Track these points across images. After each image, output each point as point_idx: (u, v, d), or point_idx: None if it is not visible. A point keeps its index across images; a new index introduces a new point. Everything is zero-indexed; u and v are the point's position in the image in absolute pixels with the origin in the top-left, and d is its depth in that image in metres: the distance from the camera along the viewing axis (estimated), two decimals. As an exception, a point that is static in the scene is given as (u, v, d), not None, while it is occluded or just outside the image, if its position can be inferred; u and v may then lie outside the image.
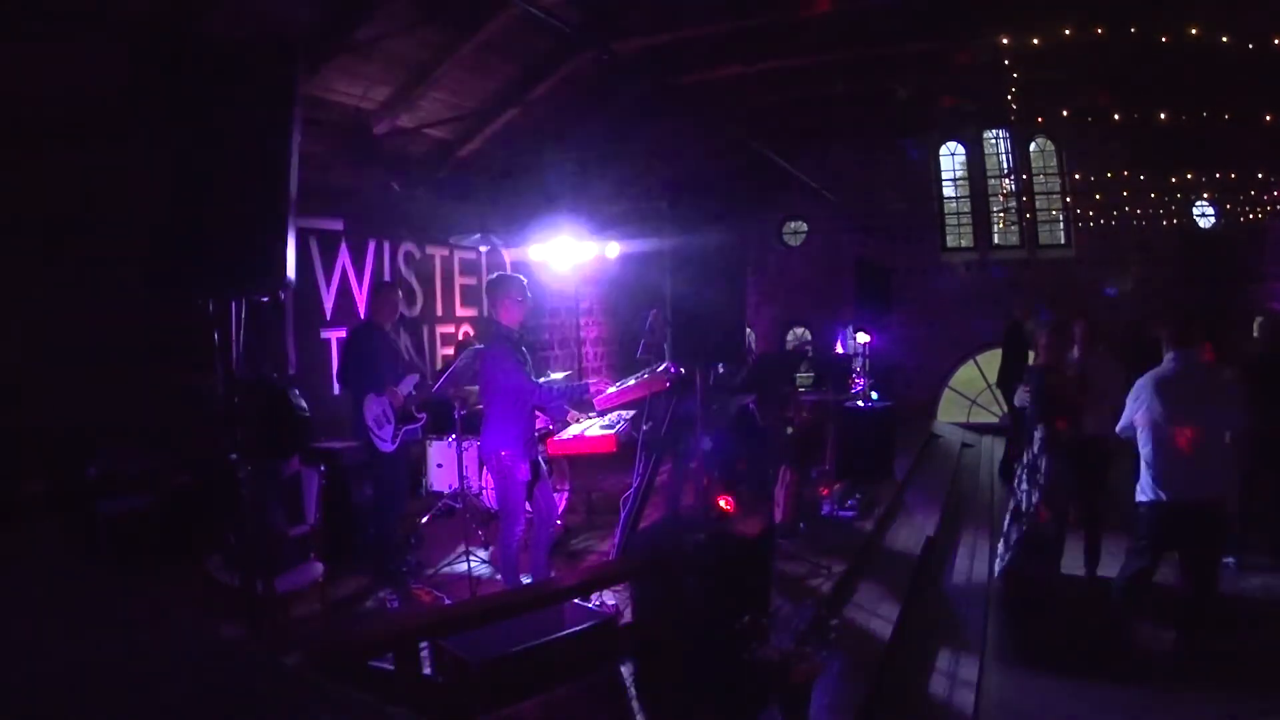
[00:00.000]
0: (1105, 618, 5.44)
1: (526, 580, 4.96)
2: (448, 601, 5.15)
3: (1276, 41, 7.26)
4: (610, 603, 4.77)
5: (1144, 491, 4.94)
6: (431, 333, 8.84)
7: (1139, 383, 5.06)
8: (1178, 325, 4.97)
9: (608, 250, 9.37)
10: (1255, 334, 7.64)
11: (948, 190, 14.97)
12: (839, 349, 11.75)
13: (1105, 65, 8.91)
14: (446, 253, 9.07)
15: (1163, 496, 4.83)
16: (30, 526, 4.49)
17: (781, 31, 8.32)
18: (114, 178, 4.85)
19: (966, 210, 14.85)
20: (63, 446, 4.89)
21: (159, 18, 5.11)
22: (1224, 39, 7.47)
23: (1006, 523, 5.99)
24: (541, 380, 5.29)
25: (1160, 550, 5.03)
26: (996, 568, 6.20)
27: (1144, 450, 4.94)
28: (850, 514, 7.36)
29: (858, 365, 11.38)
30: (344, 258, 7.59)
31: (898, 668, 4.89)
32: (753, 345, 14.51)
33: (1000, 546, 6.15)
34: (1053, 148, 14.05)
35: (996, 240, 14.63)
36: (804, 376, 10.52)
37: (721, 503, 4.82)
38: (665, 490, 5.66)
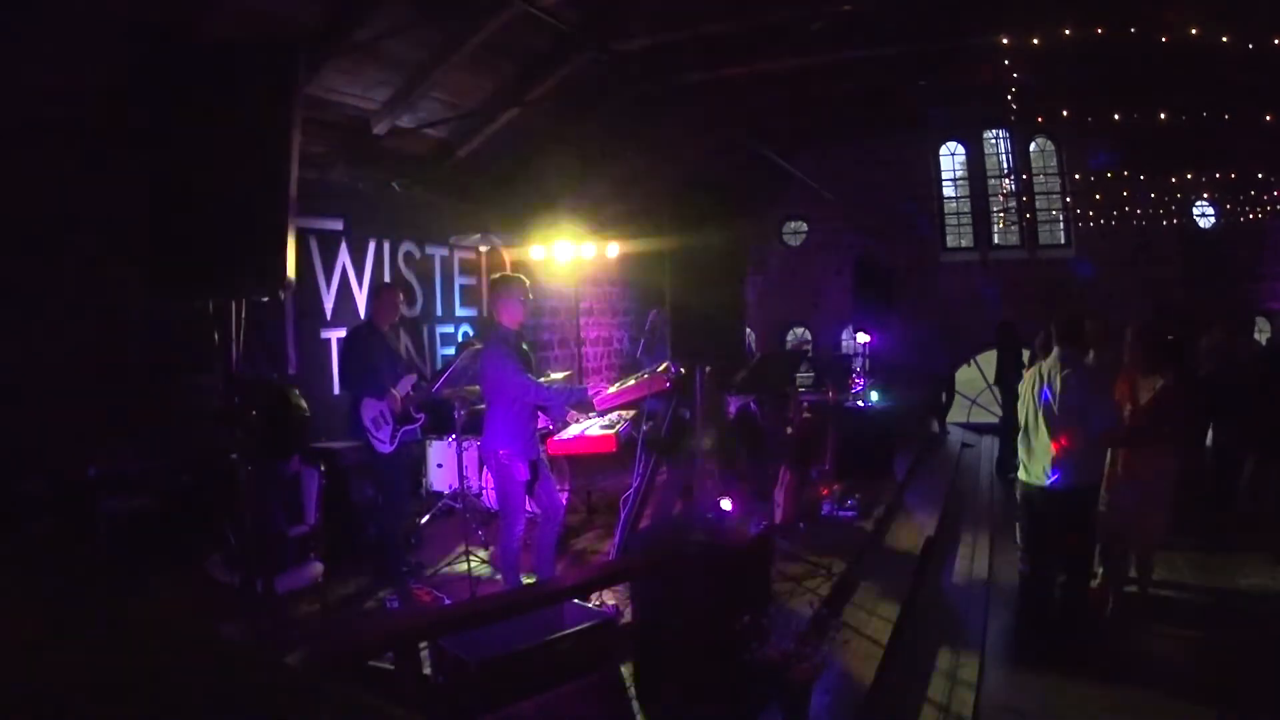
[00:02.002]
0: (1106, 619, 5.46)
1: (527, 580, 4.96)
2: (448, 601, 5.15)
3: (1276, 41, 7.25)
4: (610, 603, 4.78)
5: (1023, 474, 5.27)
6: (431, 333, 8.83)
7: (1025, 375, 5.39)
8: (1064, 324, 5.17)
9: (608, 250, 9.37)
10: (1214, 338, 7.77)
11: (948, 190, 14.98)
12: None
13: (1105, 65, 8.90)
14: (446, 253, 9.06)
15: (1034, 482, 5.11)
16: (30, 526, 4.49)
17: (781, 31, 8.31)
18: (114, 177, 4.86)
19: (966, 210, 14.86)
20: (63, 446, 4.89)
21: (159, 18, 5.11)
22: (1224, 39, 7.46)
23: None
24: (541, 380, 5.28)
25: (1037, 537, 5.23)
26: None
27: (1022, 439, 5.22)
28: (850, 514, 7.35)
29: (858, 365, 11.40)
30: (344, 258, 7.58)
31: (898, 668, 4.88)
32: (753, 345, 14.55)
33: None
34: (1053, 148, 14.05)
35: (996, 240, 14.64)
36: (804, 376, 10.53)
37: (721, 503, 4.81)
38: (665, 490, 5.66)
